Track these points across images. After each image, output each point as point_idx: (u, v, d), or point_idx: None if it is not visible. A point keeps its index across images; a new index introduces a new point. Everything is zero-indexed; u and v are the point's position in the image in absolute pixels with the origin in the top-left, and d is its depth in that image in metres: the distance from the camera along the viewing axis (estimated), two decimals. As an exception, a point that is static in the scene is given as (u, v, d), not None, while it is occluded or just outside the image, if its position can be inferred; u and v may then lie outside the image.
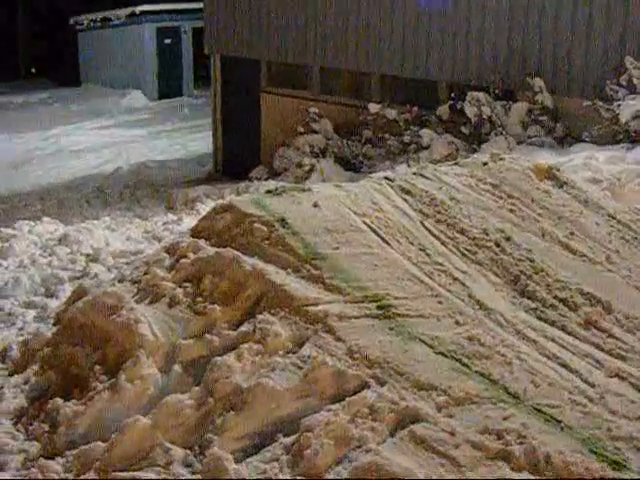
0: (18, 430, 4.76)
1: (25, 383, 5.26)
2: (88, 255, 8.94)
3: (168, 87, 31.16)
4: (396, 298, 4.92)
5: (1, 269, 8.67)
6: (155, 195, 16.88)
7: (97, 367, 4.87)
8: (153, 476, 4.04)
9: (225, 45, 18.57)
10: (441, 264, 5.41)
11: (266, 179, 15.15)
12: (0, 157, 21.84)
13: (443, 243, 5.68)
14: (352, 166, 14.41)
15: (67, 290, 7.60)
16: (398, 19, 14.72)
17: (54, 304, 7.40)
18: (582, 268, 5.55)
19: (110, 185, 18.35)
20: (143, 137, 24.42)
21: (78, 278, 8.10)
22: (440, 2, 13.96)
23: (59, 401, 4.73)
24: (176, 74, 31.53)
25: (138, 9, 30.94)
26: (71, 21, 33.95)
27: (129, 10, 31.21)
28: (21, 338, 6.27)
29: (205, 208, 11.31)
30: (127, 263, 8.00)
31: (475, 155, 7.87)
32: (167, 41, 31.38)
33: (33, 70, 37.32)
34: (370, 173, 11.00)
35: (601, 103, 11.52)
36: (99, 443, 4.27)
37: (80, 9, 33.29)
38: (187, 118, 27.19)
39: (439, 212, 6.01)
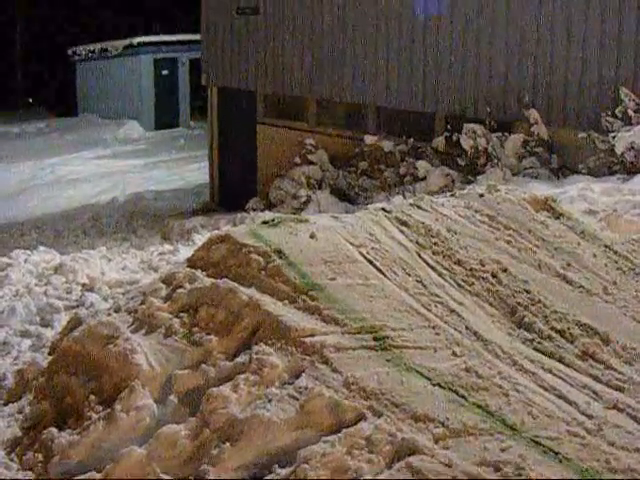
0: (12, 460, 4.73)
1: (19, 412, 5.24)
2: (84, 284, 8.92)
3: (165, 118, 31.29)
4: (393, 329, 4.91)
5: (-4, 298, 8.64)
6: (151, 225, 16.88)
7: (92, 397, 4.85)
8: (148, 507, 4.02)
9: (222, 77, 18.65)
10: (438, 295, 5.40)
11: (262, 210, 15.16)
12: (-4, 186, 21.90)
13: (440, 274, 5.67)
14: (348, 197, 14.43)
15: (63, 319, 7.57)
16: (394, 51, 14.79)
17: (49, 333, 7.37)
18: (579, 299, 5.54)
19: (106, 215, 18.37)
20: (140, 167, 24.48)
21: (74, 307, 8.07)
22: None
23: (54, 431, 4.70)
24: (173, 105, 31.68)
25: (136, 40, 31.13)
26: (69, 52, 34.12)
27: (127, 41, 31.40)
28: (16, 367, 6.25)
29: (201, 239, 11.31)
30: (123, 293, 7.98)
31: (471, 187, 7.88)
32: (164, 72, 31.54)
33: (30, 100, 37.44)
34: (366, 205, 11.01)
35: (596, 135, 11.57)
36: (94, 473, 4.24)
37: (78, 40, 33.48)
38: (183, 149, 27.26)
39: (436, 243, 6.01)
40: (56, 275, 9.25)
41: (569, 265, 5.97)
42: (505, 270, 5.73)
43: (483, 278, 5.64)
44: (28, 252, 10.81)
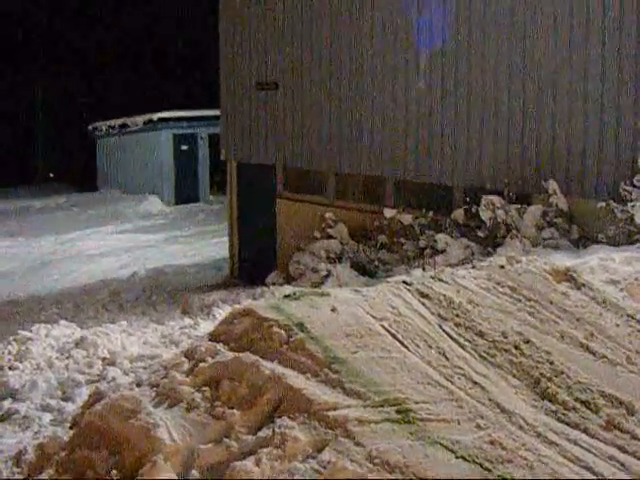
0: (34, 537, 4.71)
1: (41, 488, 5.22)
2: (105, 359, 8.94)
3: (185, 193, 31.52)
4: (416, 402, 4.89)
5: (18, 372, 8.67)
6: (171, 300, 16.92)
7: (114, 472, 4.82)
8: None
9: (241, 151, 18.82)
10: (460, 367, 5.38)
11: (282, 284, 15.19)
12: (17, 261, 22.07)
13: (462, 346, 5.66)
14: (368, 271, 14.43)
15: (84, 393, 7.58)
16: (411, 124, 14.91)
17: (70, 407, 7.38)
18: (602, 369, 5.52)
19: (126, 289, 18.42)
20: (160, 242, 24.60)
21: (95, 381, 8.09)
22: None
23: (76, 507, 4.68)
24: (192, 180, 31.93)
25: (155, 116, 31.49)
26: (89, 127, 34.55)
27: (147, 117, 31.76)
28: (37, 441, 6.24)
29: (221, 313, 11.34)
30: (144, 367, 8.00)
31: (491, 258, 7.89)
32: (184, 147, 31.85)
33: (51, 175, 37.83)
34: (386, 278, 11.01)
35: (615, 204, 11.58)
36: None
37: (98, 115, 33.94)
38: (203, 223, 27.41)
39: (457, 315, 6.01)
40: (77, 349, 9.29)
41: (592, 335, 5.95)
42: (527, 341, 5.71)
43: (505, 350, 5.63)
44: (49, 326, 10.85)
